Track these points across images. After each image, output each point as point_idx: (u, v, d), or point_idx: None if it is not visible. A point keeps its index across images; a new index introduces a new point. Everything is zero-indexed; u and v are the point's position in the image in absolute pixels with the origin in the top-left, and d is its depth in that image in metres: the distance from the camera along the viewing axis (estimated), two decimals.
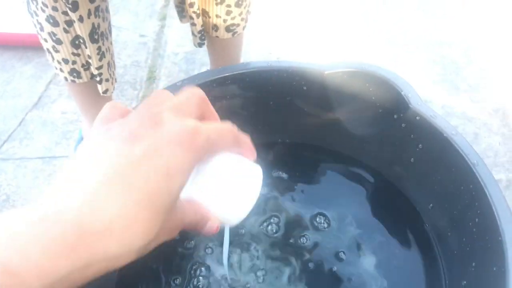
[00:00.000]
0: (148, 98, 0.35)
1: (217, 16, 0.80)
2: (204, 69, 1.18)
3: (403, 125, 0.64)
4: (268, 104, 0.70)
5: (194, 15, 0.80)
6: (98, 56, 0.79)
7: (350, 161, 0.73)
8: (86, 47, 0.78)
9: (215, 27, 0.83)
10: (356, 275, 0.62)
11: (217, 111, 0.67)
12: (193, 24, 0.82)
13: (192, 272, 0.62)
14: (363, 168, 0.72)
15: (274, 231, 0.66)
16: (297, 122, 0.72)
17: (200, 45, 0.86)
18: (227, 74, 0.66)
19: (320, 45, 1.24)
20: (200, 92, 0.38)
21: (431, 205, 0.65)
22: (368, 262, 0.63)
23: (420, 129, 0.62)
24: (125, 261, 0.29)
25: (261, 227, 0.66)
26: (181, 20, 0.87)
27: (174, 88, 0.64)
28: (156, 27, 1.27)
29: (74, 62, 0.80)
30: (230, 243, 0.57)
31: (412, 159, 0.65)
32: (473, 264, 0.56)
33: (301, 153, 0.75)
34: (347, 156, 0.73)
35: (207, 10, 0.80)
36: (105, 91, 0.85)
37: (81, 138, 1.02)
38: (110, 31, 0.84)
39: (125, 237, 0.27)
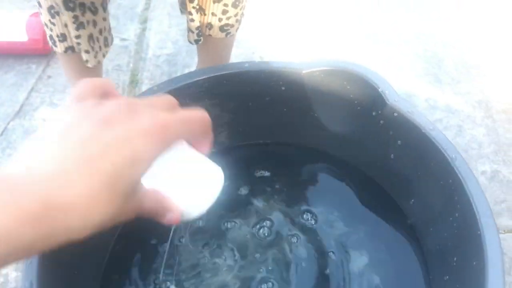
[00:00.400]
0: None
1: (213, 14, 0.80)
2: (186, 71, 1.17)
3: (381, 122, 0.64)
4: (248, 105, 0.70)
5: (193, 10, 0.80)
6: (75, 25, 0.78)
7: (332, 159, 0.73)
8: (61, 16, 0.77)
9: (210, 26, 0.82)
10: (347, 276, 0.62)
11: None
12: (191, 20, 0.82)
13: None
14: (344, 166, 0.72)
15: (266, 234, 0.66)
16: (277, 122, 0.72)
17: (196, 41, 0.85)
18: (204, 77, 0.65)
19: (305, 44, 1.24)
20: (174, 100, 0.40)
21: (412, 200, 0.65)
22: (356, 261, 0.63)
23: (398, 125, 0.61)
24: (84, 234, 0.31)
25: (253, 229, 0.66)
26: (182, 12, 0.86)
27: (151, 92, 0.64)
28: (137, 30, 1.26)
29: (51, 30, 0.80)
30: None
31: (392, 156, 0.65)
32: (455, 259, 0.56)
33: (283, 153, 0.75)
34: (328, 154, 0.73)
35: (203, 7, 0.79)
36: (86, 62, 0.85)
37: None
38: (102, 6, 0.82)
39: (86, 214, 0.30)
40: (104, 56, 0.88)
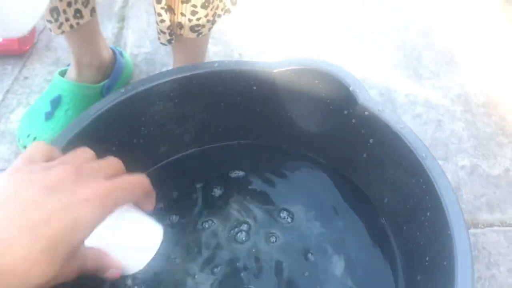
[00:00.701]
0: (74, 152, 0.41)
1: (182, 14, 0.78)
2: (165, 70, 1.16)
3: (353, 120, 0.63)
4: (219, 106, 0.69)
5: (162, 11, 0.78)
6: None
7: (306, 158, 0.72)
8: None
9: (180, 25, 0.81)
10: (323, 277, 0.62)
11: (167, 114, 0.66)
12: (162, 21, 0.80)
13: None
14: (319, 165, 0.72)
15: (244, 238, 0.65)
16: (250, 122, 0.71)
17: (169, 42, 0.84)
18: (174, 77, 0.64)
19: (285, 42, 1.22)
20: (120, 163, 0.42)
21: (386, 199, 0.65)
22: (333, 262, 0.63)
23: (369, 124, 0.61)
24: None
25: (230, 234, 0.65)
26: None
27: (119, 95, 0.63)
28: (115, 29, 1.25)
29: None
30: None
31: (364, 154, 0.65)
32: (427, 258, 0.55)
33: (257, 153, 0.74)
34: (302, 153, 0.72)
35: (172, 7, 0.78)
36: (50, 29, 0.87)
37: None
38: None
39: (26, 278, 0.31)
40: (72, 27, 0.87)
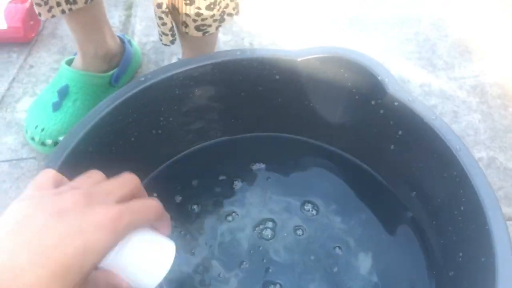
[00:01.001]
0: (84, 175, 0.40)
1: (186, 14, 0.75)
2: (174, 59, 1.13)
3: (381, 111, 0.61)
4: (240, 96, 0.67)
5: (163, 15, 0.75)
6: None
7: (328, 151, 0.70)
8: None
9: (185, 24, 0.78)
10: (352, 272, 0.60)
11: (186, 105, 0.64)
12: (163, 24, 0.77)
13: None
14: (341, 157, 0.70)
15: (269, 236, 0.63)
16: (271, 112, 0.69)
17: (172, 42, 0.81)
18: (194, 66, 0.62)
19: (293, 30, 1.20)
20: (134, 181, 0.41)
21: (414, 193, 0.63)
22: (361, 257, 0.61)
23: (399, 115, 0.59)
24: None
25: (256, 231, 0.64)
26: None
27: (138, 83, 0.61)
28: (122, 17, 1.22)
29: None
30: None
31: (392, 146, 0.63)
32: (460, 254, 0.53)
33: (278, 144, 0.72)
34: (324, 145, 0.70)
35: (176, 6, 0.75)
36: (38, 14, 0.84)
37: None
38: None
39: None
40: (64, 12, 0.84)
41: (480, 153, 0.98)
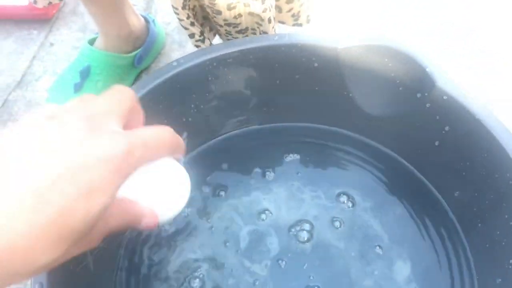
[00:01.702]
0: (78, 98, 0.33)
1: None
2: None
3: (427, 105, 0.57)
4: (275, 83, 0.63)
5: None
6: None
7: (366, 144, 0.67)
8: None
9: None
10: (392, 277, 0.57)
11: (217, 91, 0.60)
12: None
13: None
14: (379, 151, 0.66)
15: (305, 238, 0.60)
16: (307, 102, 0.66)
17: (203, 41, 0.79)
18: (228, 52, 0.58)
19: (339, 15, 1.15)
20: (129, 92, 0.35)
21: (457, 192, 0.59)
22: (400, 260, 0.58)
23: (447, 110, 0.55)
24: (30, 276, 0.27)
25: (291, 232, 0.61)
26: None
27: (170, 68, 0.57)
28: None
29: None
30: None
31: (436, 143, 0.59)
32: (510, 261, 0.50)
33: (313, 135, 0.68)
34: (362, 138, 0.67)
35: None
36: (34, 2, 0.81)
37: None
38: None
39: (28, 257, 0.26)
40: None
41: None
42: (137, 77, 1.01)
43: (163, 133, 0.34)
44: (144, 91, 0.55)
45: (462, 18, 1.15)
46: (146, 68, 1.03)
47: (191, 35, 0.74)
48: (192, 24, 0.72)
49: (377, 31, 1.08)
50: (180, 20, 0.72)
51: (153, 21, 1.03)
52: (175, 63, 0.57)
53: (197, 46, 0.76)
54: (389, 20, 1.14)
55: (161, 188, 0.36)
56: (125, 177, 0.30)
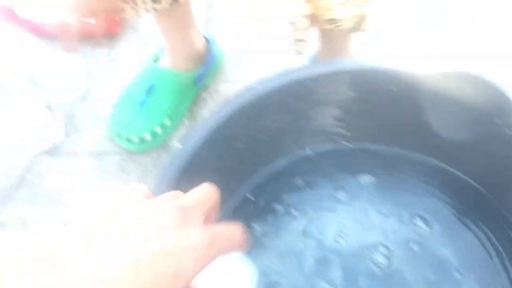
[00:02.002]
0: (169, 193, 0.37)
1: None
2: (254, 59, 1.11)
3: (506, 130, 0.57)
4: (351, 106, 0.65)
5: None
6: None
7: (439, 168, 0.67)
8: None
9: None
10: None
11: (296, 114, 0.63)
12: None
13: None
14: (452, 176, 0.67)
15: (381, 261, 0.61)
16: (383, 124, 0.67)
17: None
18: (309, 76, 0.60)
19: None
20: (216, 193, 0.39)
21: None
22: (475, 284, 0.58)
23: None
24: None
25: (366, 254, 0.62)
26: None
27: (251, 91, 0.60)
28: (203, 14, 1.22)
29: None
30: None
31: None
32: None
33: (387, 157, 0.69)
34: (436, 162, 0.68)
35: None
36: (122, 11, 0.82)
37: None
38: None
39: None
40: (147, 10, 0.83)
41: None
42: (196, 95, 1.04)
43: (236, 230, 0.38)
44: (231, 111, 0.58)
45: (460, 8, 1.16)
46: (205, 87, 1.06)
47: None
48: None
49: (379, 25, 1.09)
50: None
51: (214, 41, 1.06)
52: (258, 85, 0.59)
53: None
54: (387, 10, 1.15)
55: (228, 280, 0.41)
56: (203, 267, 0.33)
